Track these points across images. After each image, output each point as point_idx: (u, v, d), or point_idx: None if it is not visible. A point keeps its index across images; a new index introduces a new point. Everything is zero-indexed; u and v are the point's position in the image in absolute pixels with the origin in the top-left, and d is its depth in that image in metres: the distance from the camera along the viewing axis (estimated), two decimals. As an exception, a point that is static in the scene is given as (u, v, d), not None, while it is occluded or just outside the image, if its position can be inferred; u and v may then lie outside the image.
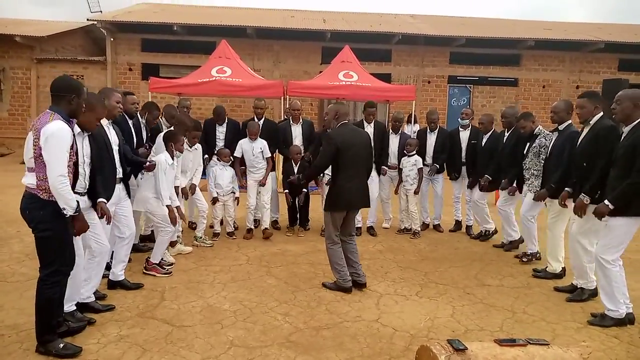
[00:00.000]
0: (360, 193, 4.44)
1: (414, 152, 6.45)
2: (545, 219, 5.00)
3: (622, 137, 3.75)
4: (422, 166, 6.46)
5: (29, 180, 2.96)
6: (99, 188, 3.56)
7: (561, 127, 4.81)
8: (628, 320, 3.77)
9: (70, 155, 2.99)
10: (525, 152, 5.32)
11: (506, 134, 5.91)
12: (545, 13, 47.47)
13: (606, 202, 3.65)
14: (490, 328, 3.70)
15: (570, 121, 4.79)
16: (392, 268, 5.15)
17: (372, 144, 4.95)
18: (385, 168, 6.57)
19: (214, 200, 6.01)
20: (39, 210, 2.93)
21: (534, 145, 5.17)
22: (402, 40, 15.87)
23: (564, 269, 4.92)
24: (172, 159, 4.77)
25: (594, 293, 4.24)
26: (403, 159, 6.54)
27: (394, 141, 6.65)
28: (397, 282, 4.69)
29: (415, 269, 5.14)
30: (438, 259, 5.56)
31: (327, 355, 3.20)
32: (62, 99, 3.01)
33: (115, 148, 3.98)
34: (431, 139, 6.66)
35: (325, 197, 4.63)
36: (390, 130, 6.73)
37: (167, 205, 4.63)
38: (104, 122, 3.89)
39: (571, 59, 16.80)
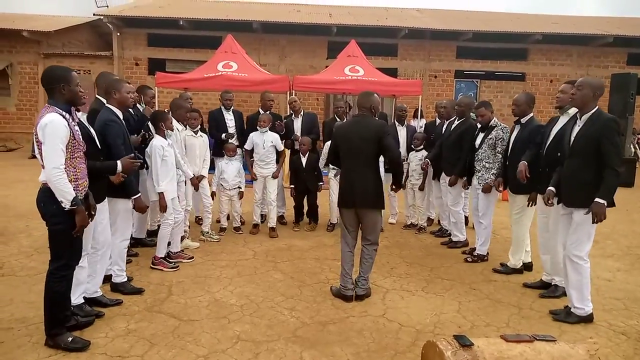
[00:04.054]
0: (357, 191, 3.95)
1: (422, 146, 6.43)
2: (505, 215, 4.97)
3: (578, 127, 3.65)
4: (428, 162, 6.41)
5: (42, 177, 3.01)
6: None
7: (523, 120, 4.69)
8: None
9: (74, 146, 3.00)
10: (479, 143, 5.19)
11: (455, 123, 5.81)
12: (555, 6, 46.69)
13: (598, 200, 3.44)
14: (497, 324, 3.70)
15: (532, 114, 4.70)
16: (398, 263, 5.15)
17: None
18: None
19: (212, 195, 5.97)
20: (52, 205, 2.96)
21: (489, 137, 5.07)
22: (409, 34, 15.77)
23: (525, 265, 4.91)
24: (166, 139, 4.67)
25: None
26: (411, 153, 6.52)
27: (401, 134, 6.64)
28: (403, 278, 4.69)
29: (421, 264, 5.14)
30: (444, 254, 5.55)
31: (333, 350, 3.21)
32: (53, 90, 3.00)
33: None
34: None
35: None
36: (396, 122, 6.70)
37: (159, 192, 4.48)
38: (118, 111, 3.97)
39: (579, 53, 16.65)
